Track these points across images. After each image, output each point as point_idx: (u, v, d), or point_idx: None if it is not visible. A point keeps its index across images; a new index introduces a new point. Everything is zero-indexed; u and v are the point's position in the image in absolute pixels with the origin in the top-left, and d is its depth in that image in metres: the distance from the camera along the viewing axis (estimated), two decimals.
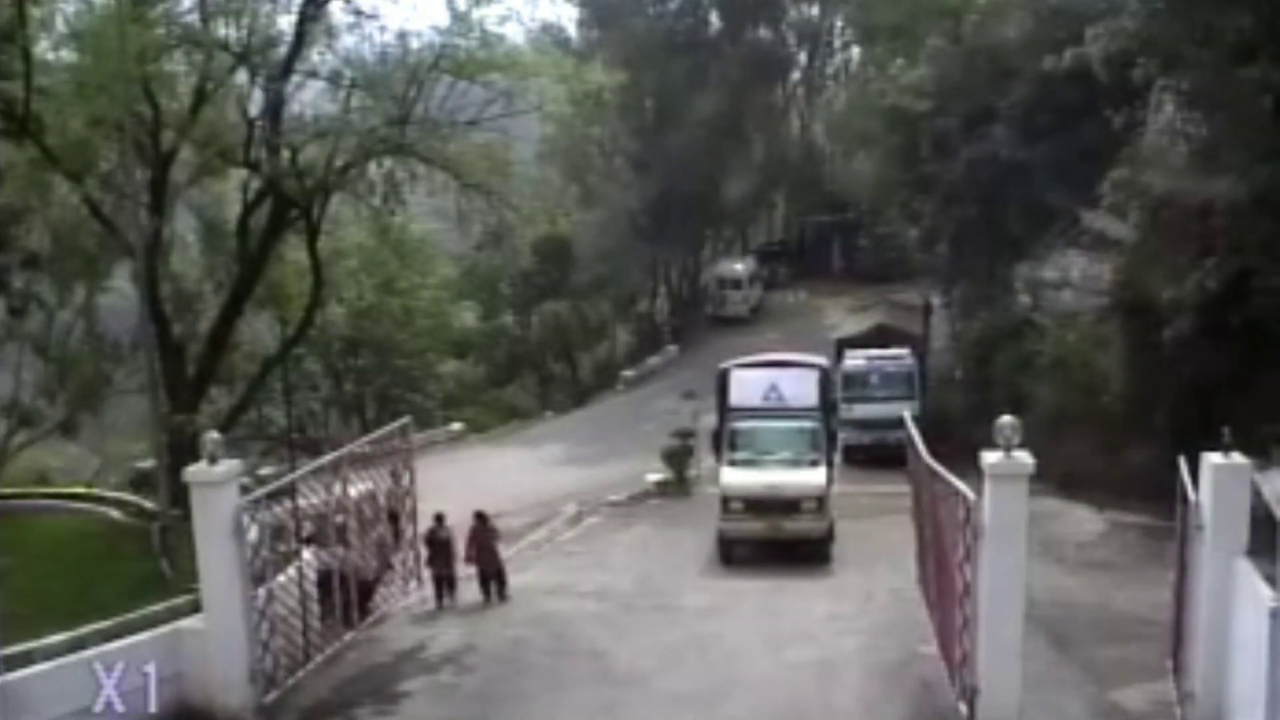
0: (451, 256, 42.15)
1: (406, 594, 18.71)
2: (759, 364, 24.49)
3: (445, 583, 18.73)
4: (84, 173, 20.38)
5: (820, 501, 21.23)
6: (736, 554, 21.41)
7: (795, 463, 21.70)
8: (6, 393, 27.20)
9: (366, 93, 22.29)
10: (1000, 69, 31.48)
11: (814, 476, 21.47)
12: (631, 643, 16.25)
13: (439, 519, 18.76)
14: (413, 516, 18.83)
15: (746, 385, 23.06)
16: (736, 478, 21.70)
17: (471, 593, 18.91)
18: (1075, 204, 28.57)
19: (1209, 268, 21.95)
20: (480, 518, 19.10)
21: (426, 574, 18.90)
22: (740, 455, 22.26)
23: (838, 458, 31.79)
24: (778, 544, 21.02)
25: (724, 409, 23.40)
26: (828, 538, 21.43)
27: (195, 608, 14.17)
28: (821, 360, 25.20)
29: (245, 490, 14.47)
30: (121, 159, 18.66)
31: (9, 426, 27.22)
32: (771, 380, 22.89)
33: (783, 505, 20.99)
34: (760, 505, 21.02)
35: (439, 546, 18.69)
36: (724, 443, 22.74)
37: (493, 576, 18.80)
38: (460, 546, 18.75)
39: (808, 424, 22.36)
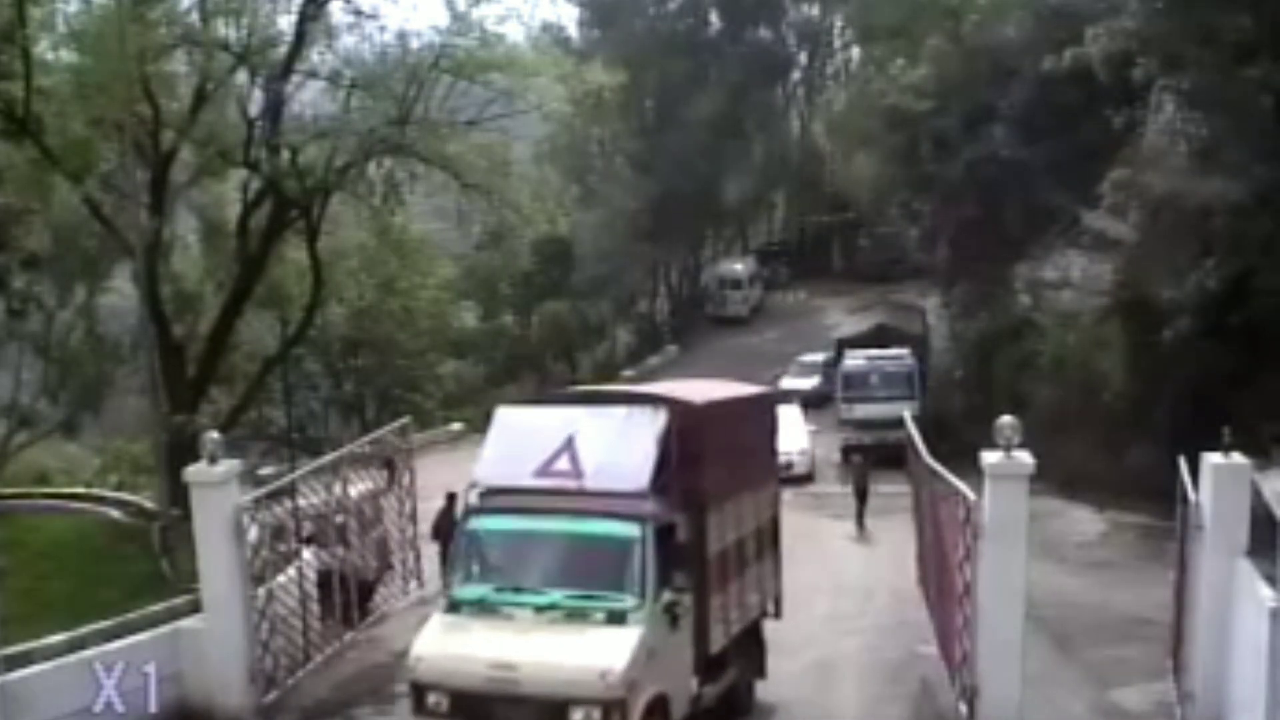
0: (451, 256, 42.09)
1: (406, 594, 18.69)
2: (564, 399, 14.45)
3: None
4: (84, 173, 20.35)
5: (613, 712, 10.44)
6: None
7: (577, 616, 11.01)
8: (6, 393, 27.21)
9: (366, 93, 22.25)
10: (1000, 69, 31.48)
11: (606, 650, 10.63)
12: None
13: (451, 499, 18.81)
14: (413, 517, 18.82)
15: (515, 442, 12.30)
16: (445, 645, 11.18)
17: None
18: (1075, 204, 28.56)
19: (1209, 268, 21.98)
20: (451, 499, 18.79)
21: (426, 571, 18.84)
22: (471, 591, 11.54)
23: (835, 456, 32.23)
24: None
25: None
26: None
27: (195, 608, 14.18)
28: (696, 392, 13.65)
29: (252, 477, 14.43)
30: (121, 159, 18.65)
31: (9, 426, 27.23)
32: (567, 433, 12.00)
33: (529, 713, 10.65)
34: (484, 709, 10.78)
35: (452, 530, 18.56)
36: (451, 564, 12.32)
37: None
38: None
39: (623, 531, 11.27)
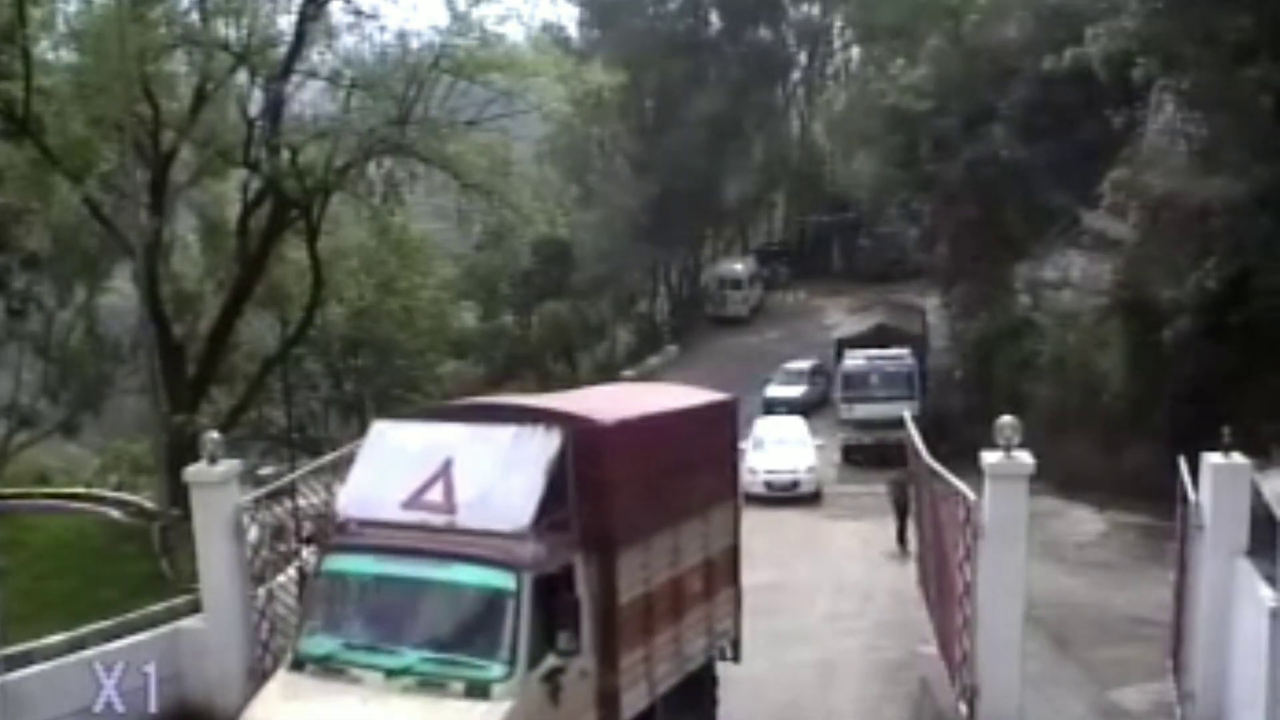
0: (451, 256, 42.09)
1: None
2: (448, 413, 11.70)
3: None
4: (84, 173, 20.34)
5: None
6: None
7: (433, 685, 9.24)
8: (6, 393, 27.19)
9: (366, 93, 22.25)
10: (1000, 69, 31.49)
11: None
12: None
13: None
14: None
15: (385, 466, 10.46)
16: (277, 713, 9.54)
17: None
18: (1075, 204, 28.59)
19: (1209, 268, 21.98)
20: None
21: None
22: (318, 646, 9.84)
23: (835, 457, 31.93)
24: None
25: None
26: None
27: (195, 608, 14.17)
28: (615, 404, 11.98)
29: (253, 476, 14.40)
30: (121, 159, 18.62)
31: (9, 426, 27.21)
32: (444, 457, 10.12)
33: None
34: None
35: None
36: (301, 612, 10.85)
37: None
38: None
39: (493, 580, 9.52)
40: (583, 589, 9.90)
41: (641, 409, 11.73)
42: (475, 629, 9.45)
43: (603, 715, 10.27)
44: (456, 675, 9.13)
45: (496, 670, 9.12)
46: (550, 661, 9.39)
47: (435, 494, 9.90)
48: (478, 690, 9.01)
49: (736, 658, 13.28)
